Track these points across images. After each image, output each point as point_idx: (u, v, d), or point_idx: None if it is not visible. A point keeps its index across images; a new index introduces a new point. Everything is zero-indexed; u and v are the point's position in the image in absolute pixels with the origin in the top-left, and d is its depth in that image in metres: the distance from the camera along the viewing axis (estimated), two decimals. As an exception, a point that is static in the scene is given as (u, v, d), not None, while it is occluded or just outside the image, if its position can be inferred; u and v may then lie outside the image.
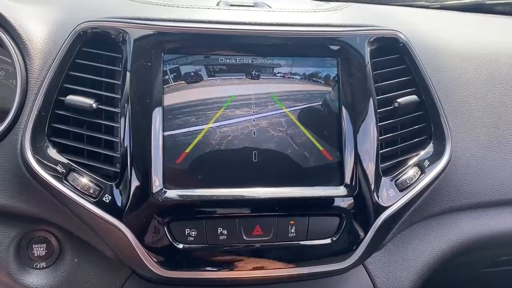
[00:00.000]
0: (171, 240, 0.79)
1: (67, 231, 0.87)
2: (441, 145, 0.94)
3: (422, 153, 0.93)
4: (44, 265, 0.87)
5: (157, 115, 0.81)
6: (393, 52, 0.94)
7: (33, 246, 0.87)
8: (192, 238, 0.80)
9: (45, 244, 0.87)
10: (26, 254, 0.87)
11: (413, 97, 0.93)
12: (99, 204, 0.79)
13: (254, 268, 0.83)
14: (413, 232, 1.00)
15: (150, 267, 0.80)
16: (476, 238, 1.02)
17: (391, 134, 0.91)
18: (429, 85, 0.95)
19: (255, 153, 0.83)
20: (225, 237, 0.81)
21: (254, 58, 0.86)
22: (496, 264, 1.23)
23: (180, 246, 0.80)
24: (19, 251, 0.86)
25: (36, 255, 0.87)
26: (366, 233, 0.85)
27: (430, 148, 0.94)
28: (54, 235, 0.87)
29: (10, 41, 0.86)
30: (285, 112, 0.85)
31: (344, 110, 0.86)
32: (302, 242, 0.83)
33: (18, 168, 0.81)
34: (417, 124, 0.94)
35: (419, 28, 1.03)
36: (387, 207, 0.87)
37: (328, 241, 0.84)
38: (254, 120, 0.84)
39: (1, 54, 0.97)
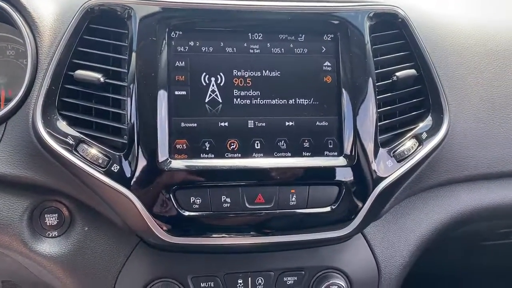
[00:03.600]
0: (177, 208, 0.83)
1: (78, 202, 0.91)
2: (439, 118, 0.96)
3: (420, 125, 0.95)
4: (56, 234, 0.91)
5: (162, 88, 0.84)
6: (392, 27, 0.96)
7: (45, 216, 0.91)
8: (197, 206, 0.83)
9: (56, 214, 0.91)
10: (38, 224, 0.91)
11: (412, 71, 0.95)
12: (108, 173, 0.82)
13: (256, 235, 0.86)
14: (412, 203, 1.03)
15: (158, 234, 0.83)
16: (475, 210, 1.05)
17: (389, 107, 0.93)
18: (427, 59, 0.97)
19: (256, 124, 0.86)
20: (228, 205, 0.84)
21: (256, 33, 0.88)
22: (495, 237, 1.25)
23: (186, 213, 0.83)
24: (32, 221, 0.90)
25: (48, 224, 0.91)
26: (364, 202, 0.88)
27: (428, 121, 0.96)
28: (65, 205, 0.91)
29: (21, 19, 0.89)
30: (286, 84, 0.88)
31: (343, 83, 0.89)
32: (302, 210, 0.86)
33: (30, 140, 0.85)
34: (415, 98, 0.96)
35: (419, 4, 1.05)
36: (385, 178, 0.89)
37: (327, 209, 0.87)
38: (256, 92, 0.87)
39: (12, 34, 1.00)
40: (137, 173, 0.82)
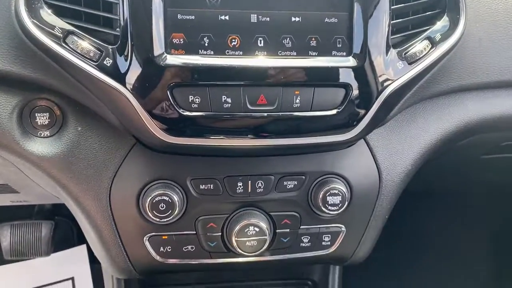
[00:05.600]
0: (175, 107, 0.78)
1: (69, 100, 0.86)
2: (454, 19, 0.89)
3: (434, 27, 0.89)
4: (48, 134, 0.87)
5: None
6: None
7: (36, 114, 0.86)
8: (196, 106, 0.79)
9: (47, 113, 0.87)
10: (29, 123, 0.86)
11: None
12: (100, 67, 0.77)
13: (257, 137, 0.83)
14: (418, 111, 1.00)
15: (154, 133, 0.80)
16: (482, 120, 1.02)
17: (403, 5, 0.86)
18: None
19: (260, 18, 0.79)
20: (229, 105, 0.80)
21: None
22: (496, 151, 1.24)
23: (184, 113, 0.79)
24: (22, 120, 0.86)
25: (39, 123, 0.87)
26: (371, 106, 0.84)
27: (442, 23, 0.89)
28: (56, 104, 0.87)
29: None
30: None
31: None
32: (306, 113, 0.82)
33: (15, 32, 0.79)
34: None
35: None
36: (394, 80, 0.85)
37: (332, 112, 0.83)
38: None
39: None
40: (131, 68, 0.76)
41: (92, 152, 0.88)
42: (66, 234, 1.99)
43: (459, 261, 2.15)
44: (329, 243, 0.99)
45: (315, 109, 0.83)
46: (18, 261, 1.89)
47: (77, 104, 0.86)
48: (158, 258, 0.94)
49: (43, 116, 0.87)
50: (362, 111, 0.84)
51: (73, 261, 1.95)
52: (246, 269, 1.05)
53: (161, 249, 0.93)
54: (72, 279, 1.95)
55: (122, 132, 0.88)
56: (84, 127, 0.88)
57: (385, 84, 0.84)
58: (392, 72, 0.84)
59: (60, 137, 0.88)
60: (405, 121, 0.99)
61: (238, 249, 0.92)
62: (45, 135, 0.87)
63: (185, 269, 1.00)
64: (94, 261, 1.96)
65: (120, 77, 0.77)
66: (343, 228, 0.98)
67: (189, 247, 0.94)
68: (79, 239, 2.02)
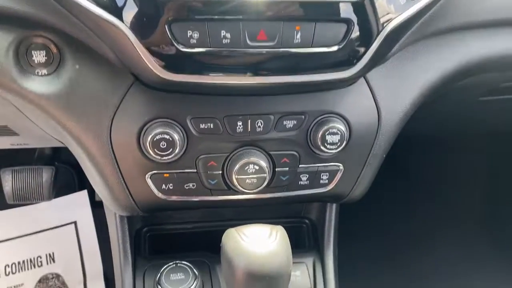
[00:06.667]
0: (173, 42, 0.77)
1: (66, 37, 0.84)
2: None
3: None
4: (46, 72, 0.86)
5: None
6: None
7: (32, 52, 0.85)
8: (194, 41, 0.78)
9: (44, 51, 0.85)
10: (26, 61, 0.85)
11: None
12: (97, 1, 0.75)
13: (257, 75, 0.82)
14: (419, 49, 0.98)
15: (153, 69, 0.79)
16: (483, 59, 1.01)
17: None
18: None
19: None
20: (228, 40, 0.78)
21: None
22: (494, 92, 1.24)
23: (183, 49, 0.78)
24: (18, 57, 0.84)
25: (36, 61, 0.85)
26: (372, 42, 0.83)
27: None
28: (53, 41, 0.85)
29: None
30: None
31: None
32: (307, 49, 0.81)
33: None
34: None
35: None
36: (396, 16, 0.83)
37: (334, 48, 0.82)
38: None
39: None
40: (128, 1, 0.75)
41: (91, 90, 0.88)
42: (67, 180, 2.02)
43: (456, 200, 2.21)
44: (327, 181, 1.01)
45: (316, 45, 0.81)
46: (20, 205, 1.92)
47: (74, 42, 0.84)
48: (160, 195, 0.95)
49: (39, 54, 0.85)
50: (363, 48, 0.83)
51: (75, 206, 1.99)
52: (246, 206, 1.07)
53: (163, 186, 0.95)
54: (75, 223, 2.00)
55: (120, 70, 0.87)
56: (82, 65, 0.87)
57: (387, 20, 0.83)
58: (394, 8, 0.83)
59: (58, 76, 0.87)
60: (406, 60, 0.98)
61: (239, 187, 0.94)
62: (43, 73, 0.86)
63: (186, 206, 1.02)
64: (95, 206, 2.00)
65: (117, 11, 0.75)
66: (341, 167, 1.00)
67: (191, 184, 0.95)
68: (80, 185, 2.05)
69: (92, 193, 1.96)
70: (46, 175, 1.77)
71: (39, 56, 0.85)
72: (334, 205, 1.20)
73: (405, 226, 2.17)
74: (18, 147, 1.50)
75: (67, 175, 2.02)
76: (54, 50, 0.86)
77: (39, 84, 0.86)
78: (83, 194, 1.99)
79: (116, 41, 0.78)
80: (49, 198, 1.92)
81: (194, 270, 1.07)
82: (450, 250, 2.16)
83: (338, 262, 1.20)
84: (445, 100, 1.21)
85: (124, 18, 0.76)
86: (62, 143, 1.07)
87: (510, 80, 1.18)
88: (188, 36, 0.77)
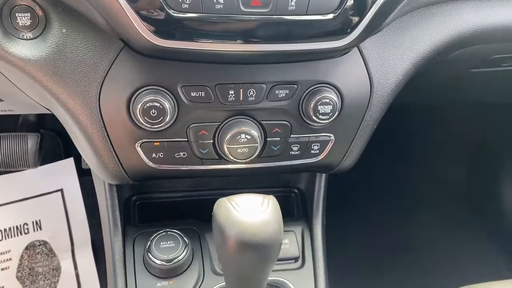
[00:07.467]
0: (164, 7, 0.75)
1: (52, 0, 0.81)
2: None
3: None
4: (31, 36, 0.83)
5: None
6: None
7: (16, 14, 0.82)
8: (186, 6, 0.75)
9: (29, 14, 0.82)
10: (10, 23, 0.82)
11: None
12: None
13: (250, 42, 0.81)
14: (413, 19, 0.98)
15: (144, 35, 0.77)
16: (476, 30, 1.01)
17: None
18: None
19: None
20: (221, 6, 0.76)
21: None
22: (485, 64, 1.24)
23: (175, 14, 0.76)
24: (2, 19, 0.81)
25: (20, 24, 0.82)
26: (367, 11, 0.82)
27: None
28: (38, 3, 0.82)
29: None
30: None
31: None
32: (301, 17, 0.80)
33: None
34: None
35: None
36: None
37: (329, 16, 0.80)
38: None
39: None
40: None
41: (79, 55, 0.85)
42: (52, 148, 2.00)
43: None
44: (317, 151, 1.01)
45: (311, 12, 0.80)
46: (6, 172, 1.90)
47: (60, 4, 0.81)
48: (150, 164, 0.94)
49: (24, 17, 0.82)
50: (358, 17, 0.82)
51: (61, 173, 1.97)
52: (236, 175, 1.07)
53: (154, 155, 0.94)
54: (61, 190, 1.98)
55: (109, 35, 0.84)
56: (69, 29, 0.84)
57: None
58: None
59: (44, 39, 0.84)
60: (400, 30, 0.97)
61: (230, 156, 0.94)
62: (28, 37, 0.83)
63: (177, 175, 1.02)
64: (82, 174, 1.98)
65: None
66: (332, 137, 1.00)
67: (181, 153, 0.95)
68: (66, 152, 2.03)
69: (78, 161, 1.94)
70: (31, 142, 1.75)
71: (23, 19, 0.82)
72: (323, 175, 1.21)
73: (391, 199, 2.21)
74: (1, 113, 1.46)
75: (52, 143, 1.99)
76: (40, 12, 0.82)
77: (25, 48, 0.83)
78: (70, 161, 1.97)
79: (105, 5, 0.76)
80: (35, 166, 1.90)
81: (184, 238, 1.08)
82: (432, 218, 2.22)
83: (325, 230, 1.22)
84: (436, 72, 1.21)
85: None
86: (49, 110, 1.04)
87: (501, 52, 1.18)
88: (180, 0, 0.75)
